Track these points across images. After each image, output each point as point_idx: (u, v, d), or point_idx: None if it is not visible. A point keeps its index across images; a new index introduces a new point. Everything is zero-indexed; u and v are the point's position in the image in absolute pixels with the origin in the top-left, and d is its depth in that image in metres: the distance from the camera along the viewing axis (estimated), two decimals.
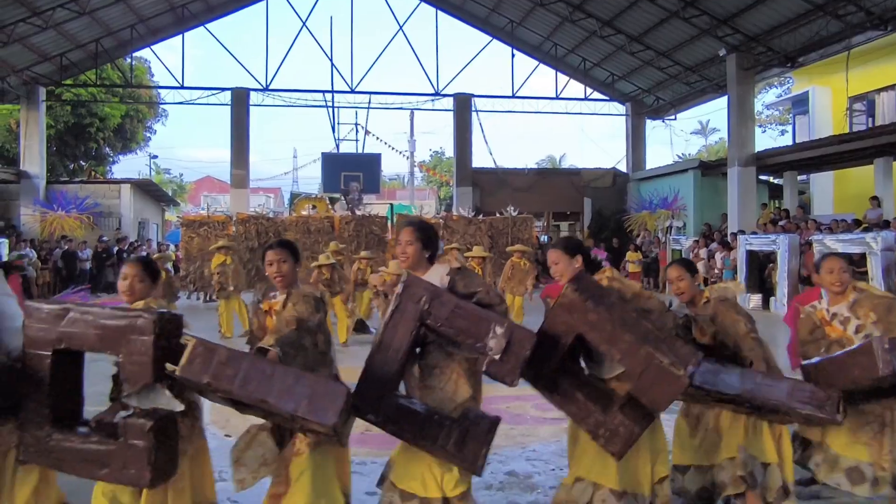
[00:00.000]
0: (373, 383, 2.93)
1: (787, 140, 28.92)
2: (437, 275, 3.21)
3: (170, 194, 31.56)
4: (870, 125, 17.84)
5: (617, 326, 2.94)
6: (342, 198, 20.74)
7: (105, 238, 20.16)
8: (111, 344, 2.71)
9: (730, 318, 3.56)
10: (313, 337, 3.01)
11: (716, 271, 16.27)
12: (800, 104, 21.64)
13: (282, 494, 3.01)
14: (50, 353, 2.79)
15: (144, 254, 20.50)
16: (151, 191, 25.41)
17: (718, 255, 16.24)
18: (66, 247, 18.74)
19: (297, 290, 3.19)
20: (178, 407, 2.71)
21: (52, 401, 2.81)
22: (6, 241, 15.50)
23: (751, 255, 14.69)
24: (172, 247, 21.15)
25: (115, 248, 19.72)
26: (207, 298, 16.19)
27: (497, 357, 2.84)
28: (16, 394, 2.83)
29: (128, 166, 36.23)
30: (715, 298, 3.67)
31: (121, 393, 2.85)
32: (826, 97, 20.03)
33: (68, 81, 22.14)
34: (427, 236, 3.27)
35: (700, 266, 16.69)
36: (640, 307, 3.25)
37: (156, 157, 40.22)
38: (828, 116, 19.89)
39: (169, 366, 2.61)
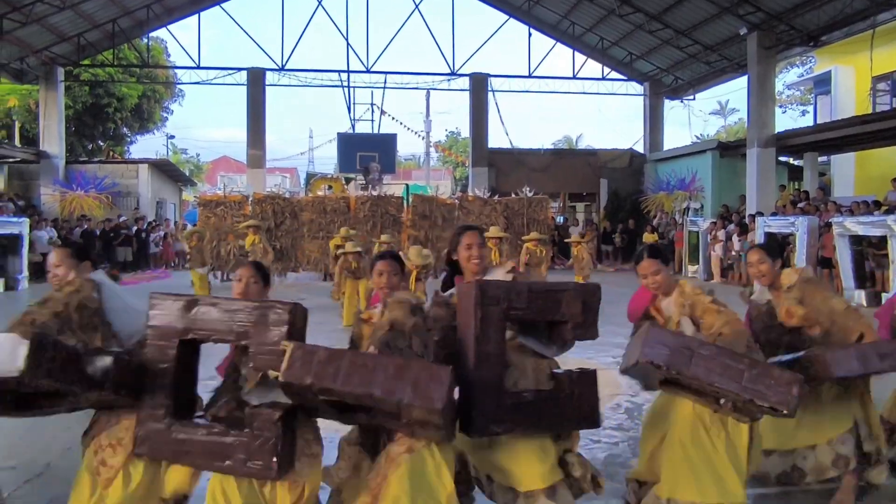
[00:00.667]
0: (488, 397, 2.89)
1: (807, 121, 28.50)
2: (498, 275, 3.31)
3: (187, 174, 31.75)
4: (894, 105, 17.51)
5: (714, 381, 2.86)
6: (362, 177, 20.73)
7: (123, 217, 20.36)
8: (242, 334, 2.74)
9: (820, 296, 3.56)
10: (407, 339, 2.97)
11: (733, 254, 16.14)
12: (822, 84, 21.28)
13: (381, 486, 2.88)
14: (175, 344, 2.82)
15: (163, 232, 20.71)
16: (169, 171, 25.58)
17: (736, 238, 16.10)
18: (86, 226, 18.95)
19: (393, 298, 3.17)
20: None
21: (173, 392, 2.82)
22: (27, 220, 15.68)
23: (769, 237, 14.55)
24: (189, 226, 21.32)
25: (135, 228, 19.93)
26: (224, 277, 16.34)
27: (579, 320, 2.96)
28: (136, 388, 2.83)
29: (145, 146, 36.59)
30: (800, 279, 3.64)
31: (230, 387, 2.93)
32: (849, 77, 19.66)
33: (86, 62, 22.25)
34: (485, 239, 3.37)
35: (717, 248, 16.57)
36: (718, 337, 3.17)
37: (173, 137, 40.47)
38: (850, 96, 19.54)
39: (272, 372, 2.63)
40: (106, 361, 2.70)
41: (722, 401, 3.01)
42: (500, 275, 3.31)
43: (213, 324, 2.79)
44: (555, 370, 3.11)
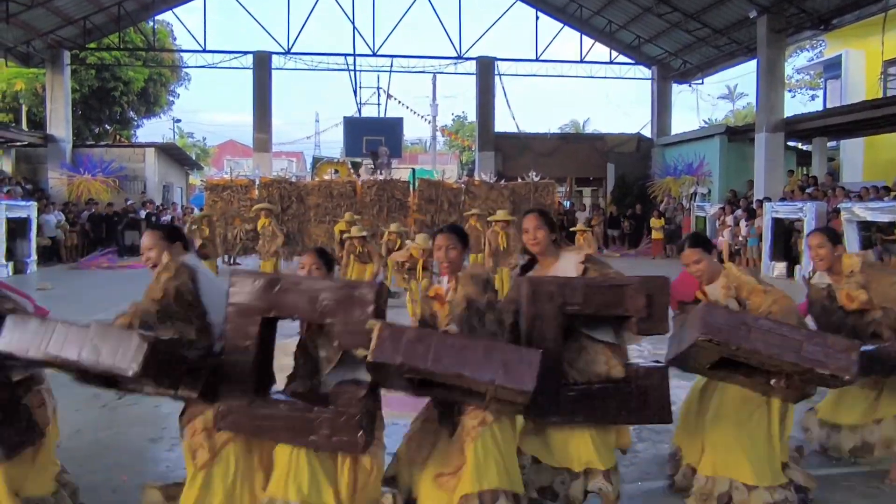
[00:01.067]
0: (545, 389, 2.91)
1: (817, 105, 28.26)
2: (571, 262, 3.31)
3: (193, 158, 31.76)
4: None
5: (773, 353, 2.89)
6: (371, 162, 20.68)
7: (131, 201, 20.41)
8: (326, 313, 2.79)
9: (887, 280, 3.61)
10: (482, 317, 3.01)
11: (740, 239, 16.08)
12: (832, 68, 21.05)
13: (453, 475, 2.98)
14: (258, 322, 2.85)
15: (170, 216, 20.75)
16: (175, 154, 25.59)
17: (743, 223, 16.04)
18: (94, 209, 19.01)
19: (464, 273, 3.19)
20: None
21: (255, 370, 2.87)
22: (35, 203, 15.73)
23: (777, 222, 14.48)
24: (196, 210, 21.34)
25: (143, 212, 19.96)
26: (231, 261, 16.39)
27: (643, 314, 2.99)
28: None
29: (152, 130, 36.46)
30: (863, 264, 3.69)
31: (303, 365, 2.98)
32: (860, 61, 19.44)
33: (92, 45, 22.21)
34: (552, 221, 3.39)
35: (725, 234, 16.51)
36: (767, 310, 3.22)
37: (179, 120, 40.43)
38: (861, 81, 19.34)
39: (360, 351, 2.67)
40: (202, 370, 2.80)
41: (773, 381, 3.05)
42: (573, 259, 3.32)
43: (297, 303, 2.83)
44: (625, 362, 3.17)
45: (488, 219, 10.87)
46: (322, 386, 2.97)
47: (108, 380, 2.75)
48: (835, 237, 3.83)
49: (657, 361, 3.28)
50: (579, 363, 3.15)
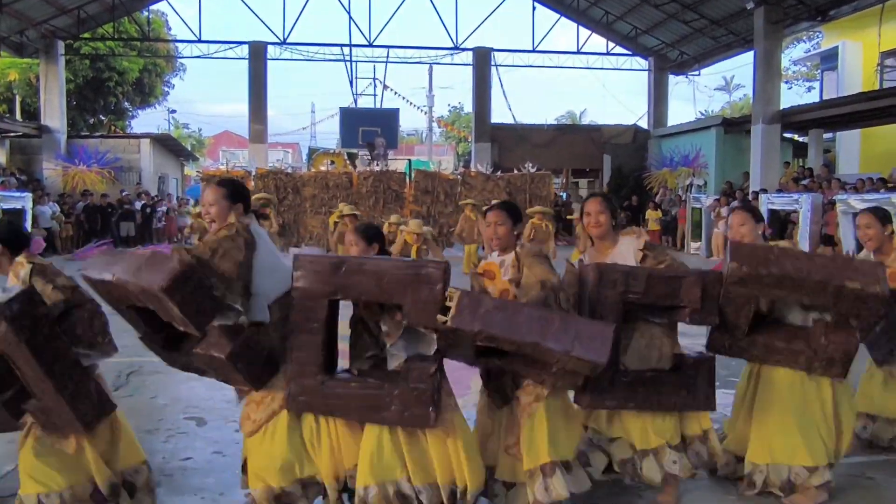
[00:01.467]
0: (603, 374, 3.01)
1: (813, 97, 28.28)
2: (629, 247, 3.35)
3: (189, 149, 31.64)
4: None
5: (799, 276, 3.04)
6: (367, 153, 20.61)
7: (126, 192, 20.33)
8: (393, 293, 2.83)
9: None
10: (556, 295, 3.07)
11: None
12: (829, 60, 21.03)
13: (517, 444, 3.10)
14: (325, 304, 2.91)
15: (165, 207, 20.65)
16: (170, 145, 25.49)
17: None
18: (88, 201, 18.94)
19: (525, 251, 3.21)
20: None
21: (324, 350, 2.94)
22: (30, 194, 15.67)
23: (773, 214, 14.50)
24: (192, 201, 21.30)
25: (137, 203, 19.89)
26: None
27: (697, 306, 3.11)
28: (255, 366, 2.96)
29: (147, 121, 36.14)
30: None
31: (361, 343, 3.04)
32: (856, 52, 19.43)
33: (86, 35, 22.06)
34: (614, 206, 3.46)
35: (721, 225, 16.52)
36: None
37: (174, 111, 40.28)
38: (858, 72, 19.33)
39: (440, 317, 2.72)
40: (235, 325, 2.88)
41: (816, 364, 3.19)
42: (632, 245, 3.35)
43: (363, 284, 2.87)
44: (676, 351, 3.27)
45: (483, 209, 10.82)
46: (384, 363, 3.03)
47: (169, 341, 2.92)
48: (885, 217, 3.82)
49: (701, 351, 3.39)
50: (638, 347, 3.23)
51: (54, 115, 20.83)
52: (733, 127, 19.94)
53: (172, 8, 23.41)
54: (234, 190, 3.11)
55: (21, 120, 22.54)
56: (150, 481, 3.25)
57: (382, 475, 2.87)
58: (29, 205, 15.00)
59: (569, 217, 18.97)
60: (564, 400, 3.19)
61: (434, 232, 8.81)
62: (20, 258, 3.04)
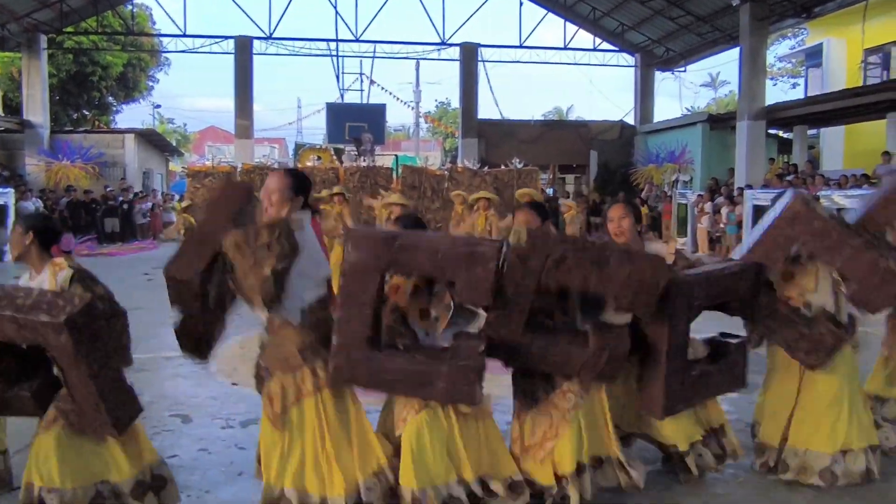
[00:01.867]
0: (675, 382, 3.22)
1: (798, 93, 28.46)
2: (661, 252, 3.40)
3: (174, 144, 31.40)
4: (884, 78, 17.49)
5: (842, 234, 3.24)
6: (354, 149, 20.54)
7: (110, 187, 20.15)
8: (446, 270, 2.81)
9: None
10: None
11: (721, 226, 16.20)
12: (813, 56, 21.20)
13: (540, 445, 3.16)
14: (377, 279, 2.88)
15: (150, 203, 20.48)
16: (155, 141, 25.27)
17: (724, 210, 16.15)
18: (72, 196, 18.76)
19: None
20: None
21: (373, 324, 2.92)
22: (13, 190, 15.49)
23: (757, 210, 14.59)
24: (177, 197, 21.15)
25: (121, 199, 19.73)
26: None
27: (748, 297, 3.34)
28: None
29: (131, 116, 35.73)
30: None
31: (399, 321, 3.07)
32: (841, 49, 19.59)
33: (69, 29, 21.80)
34: (638, 211, 3.55)
35: (704, 221, 16.63)
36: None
37: (159, 106, 39.83)
38: (842, 69, 19.49)
39: (521, 235, 2.89)
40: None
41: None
42: (660, 252, 3.36)
43: (416, 259, 2.85)
44: (716, 340, 3.51)
45: (469, 198, 10.77)
46: (423, 341, 3.08)
47: (201, 342, 3.06)
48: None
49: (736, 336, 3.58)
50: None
51: (37, 109, 20.58)
52: (719, 123, 20.05)
53: (157, 1, 23.21)
54: (299, 183, 3.04)
55: (3, 115, 22.26)
56: (171, 475, 3.28)
57: (432, 479, 2.93)
58: (11, 201, 14.82)
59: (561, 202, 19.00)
60: (601, 395, 3.32)
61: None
62: (59, 259, 3.04)
